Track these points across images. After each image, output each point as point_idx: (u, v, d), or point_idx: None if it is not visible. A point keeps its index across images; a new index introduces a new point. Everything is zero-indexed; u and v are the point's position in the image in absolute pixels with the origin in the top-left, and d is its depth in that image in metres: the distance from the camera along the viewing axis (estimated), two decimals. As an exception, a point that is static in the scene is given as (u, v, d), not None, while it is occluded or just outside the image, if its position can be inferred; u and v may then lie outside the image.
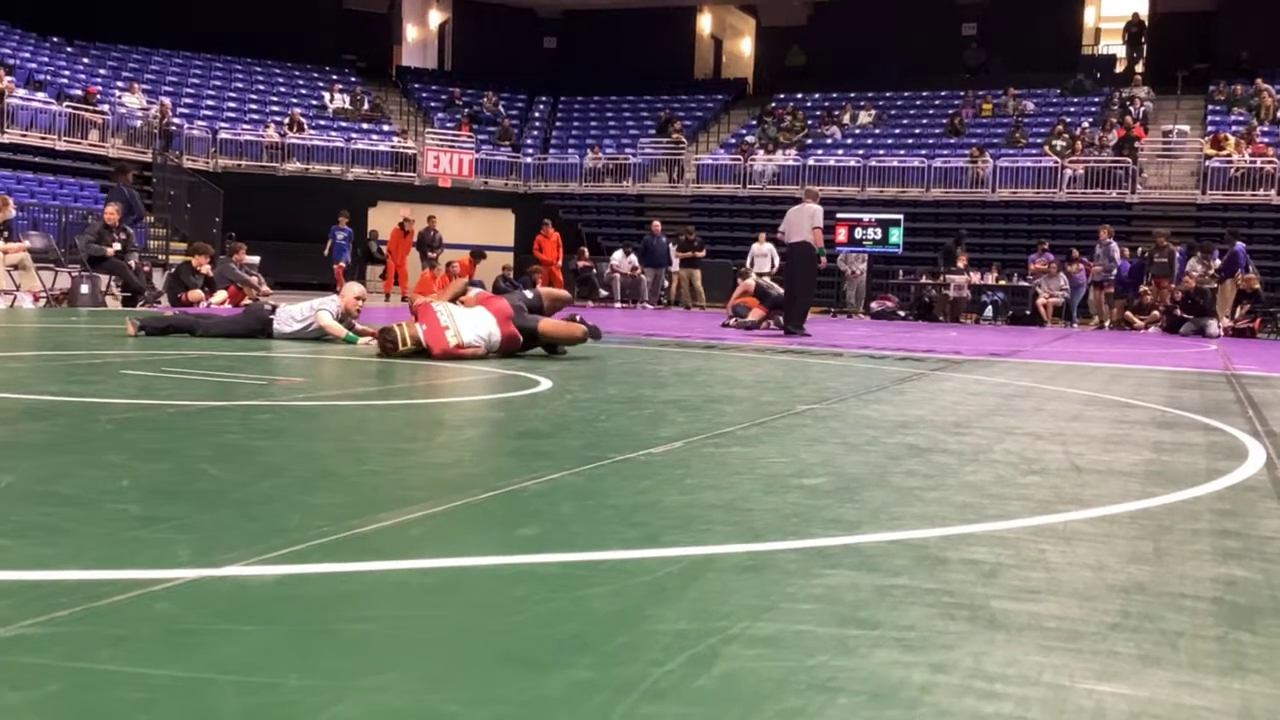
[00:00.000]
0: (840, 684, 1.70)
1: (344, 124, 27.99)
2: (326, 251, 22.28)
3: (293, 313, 9.11)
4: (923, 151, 26.51)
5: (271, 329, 9.02)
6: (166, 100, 25.52)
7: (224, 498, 2.98)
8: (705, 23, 34.81)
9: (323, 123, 27.79)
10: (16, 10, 25.92)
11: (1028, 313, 21.26)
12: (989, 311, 21.72)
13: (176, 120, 25.00)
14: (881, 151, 26.85)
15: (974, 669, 1.80)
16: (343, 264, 22.35)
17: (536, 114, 31.89)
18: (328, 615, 1.98)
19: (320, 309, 9.06)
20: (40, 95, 22.41)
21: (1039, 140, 25.91)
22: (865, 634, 1.95)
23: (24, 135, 20.97)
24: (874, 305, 21.92)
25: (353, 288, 9.45)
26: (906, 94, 29.53)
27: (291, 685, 1.63)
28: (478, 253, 22.20)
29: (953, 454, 4.11)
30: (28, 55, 24.77)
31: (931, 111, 28.90)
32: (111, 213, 15.19)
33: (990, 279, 22.20)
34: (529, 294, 8.42)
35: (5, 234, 14.04)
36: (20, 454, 3.51)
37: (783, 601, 2.12)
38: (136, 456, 3.56)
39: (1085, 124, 26.27)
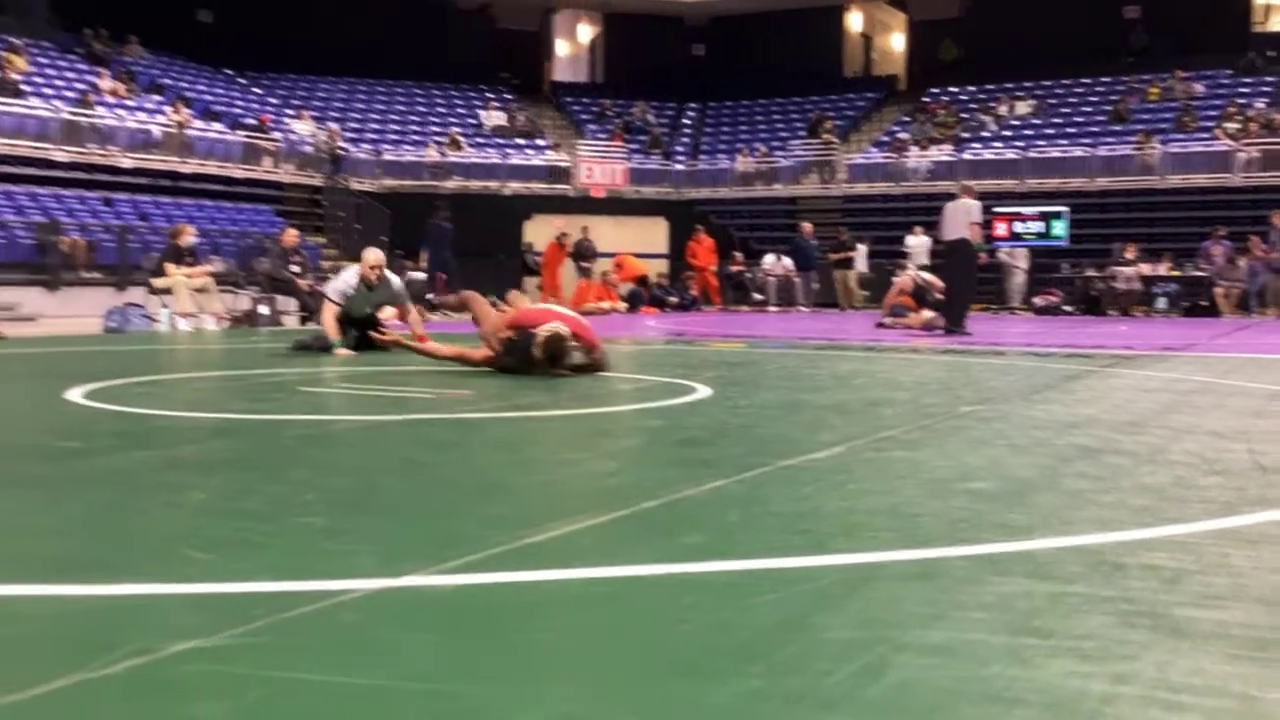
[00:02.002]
0: (1016, 694, 1.68)
1: (500, 140, 28.63)
2: (424, 261, 21.53)
3: (334, 283, 9.33)
4: (1086, 140, 25.62)
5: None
6: (334, 125, 26.55)
7: (402, 509, 3.10)
8: (854, 20, 34.38)
9: (480, 140, 28.49)
10: (193, 46, 27.36)
11: (1203, 304, 20.31)
12: (1161, 303, 20.82)
13: (343, 145, 25.97)
14: (1042, 142, 26.05)
15: (1157, 679, 1.75)
16: (441, 274, 21.99)
17: (686, 121, 32.02)
18: (504, 624, 2.05)
19: (331, 285, 9.15)
20: (216, 126, 23.58)
21: (1210, 124, 24.75)
22: (1040, 643, 1.91)
23: (203, 165, 22.09)
24: (1038, 300, 21.27)
25: (369, 255, 9.28)
26: (1066, 82, 28.57)
27: (473, 693, 1.69)
28: (642, 280, 22.44)
29: (1127, 455, 3.98)
30: (204, 88, 26.09)
31: (1094, 99, 27.91)
32: (291, 236, 15.84)
33: (1162, 269, 21.29)
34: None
35: (189, 259, 14.81)
36: (211, 471, 3.71)
37: (953, 610, 2.10)
38: (318, 471, 3.72)
39: (1260, 104, 24.97)
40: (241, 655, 1.84)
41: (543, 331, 6.87)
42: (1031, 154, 25.29)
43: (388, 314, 9.46)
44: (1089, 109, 27.58)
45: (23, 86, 20.24)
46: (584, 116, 31.46)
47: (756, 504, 3.13)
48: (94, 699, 1.66)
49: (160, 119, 21.99)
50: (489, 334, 7.28)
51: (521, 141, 28.89)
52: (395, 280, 9.36)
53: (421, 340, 8.58)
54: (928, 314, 14.35)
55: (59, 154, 19.42)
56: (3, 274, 15.27)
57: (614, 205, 27.11)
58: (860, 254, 23.24)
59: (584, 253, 23.10)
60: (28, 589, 2.26)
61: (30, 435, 4.64)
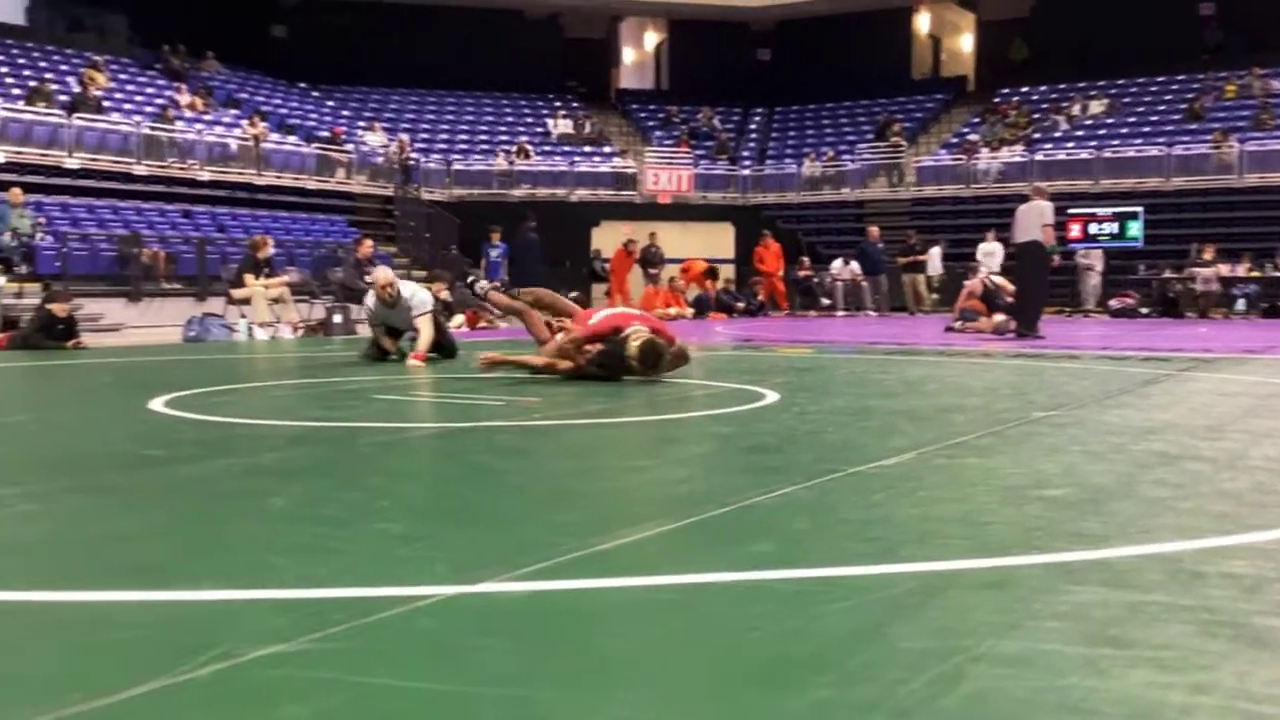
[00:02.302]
0: (1093, 705, 1.66)
1: (567, 148, 28.80)
2: (482, 271, 21.18)
3: (365, 307, 9.61)
4: (1160, 139, 25.14)
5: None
6: (405, 136, 26.90)
7: (474, 516, 3.14)
8: (922, 22, 34.08)
9: (547, 148, 28.69)
10: (268, 61, 27.92)
11: (1285, 305, 19.84)
12: (1241, 305, 20.37)
13: (414, 155, 26.29)
14: (1116, 142, 25.60)
15: (1238, 689, 1.72)
16: (499, 281, 21.91)
17: (752, 126, 31.96)
18: (575, 631, 2.07)
19: (366, 307, 9.36)
20: (291, 139, 24.01)
21: (1291, 120, 24.17)
22: (1118, 653, 1.89)
23: (278, 177, 22.50)
24: (1113, 303, 20.91)
25: (378, 275, 9.22)
26: (1140, 80, 28.07)
27: (546, 699, 1.72)
28: (712, 271, 22.35)
29: (1206, 461, 3.91)
30: (279, 102, 26.58)
31: (1169, 97, 27.38)
32: (366, 247, 16.06)
33: (1241, 270, 20.82)
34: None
35: (266, 270, 15.08)
36: (289, 478, 3.79)
37: (1028, 619, 2.08)
38: (393, 478, 3.79)
39: (1344, 99, 24.34)
40: (323, 660, 1.88)
41: (633, 339, 6.89)
42: (1105, 154, 24.88)
43: (456, 322, 9.53)
44: (1163, 107, 27.07)
45: (104, 103, 20.76)
46: (650, 123, 31.53)
47: (826, 511, 3.12)
48: (180, 703, 1.70)
49: (237, 132, 22.45)
50: (569, 350, 7.20)
51: (588, 149, 29.04)
52: (405, 295, 9.15)
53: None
54: (998, 318, 14.18)
55: (140, 168, 19.90)
56: (86, 285, 15.67)
57: (681, 211, 27.13)
58: (934, 256, 23.06)
59: (651, 259, 23.12)
60: (114, 595, 2.33)
61: (115, 444, 4.76)
